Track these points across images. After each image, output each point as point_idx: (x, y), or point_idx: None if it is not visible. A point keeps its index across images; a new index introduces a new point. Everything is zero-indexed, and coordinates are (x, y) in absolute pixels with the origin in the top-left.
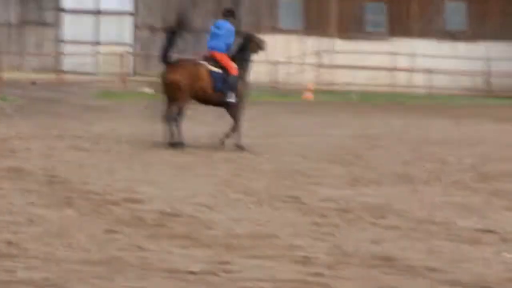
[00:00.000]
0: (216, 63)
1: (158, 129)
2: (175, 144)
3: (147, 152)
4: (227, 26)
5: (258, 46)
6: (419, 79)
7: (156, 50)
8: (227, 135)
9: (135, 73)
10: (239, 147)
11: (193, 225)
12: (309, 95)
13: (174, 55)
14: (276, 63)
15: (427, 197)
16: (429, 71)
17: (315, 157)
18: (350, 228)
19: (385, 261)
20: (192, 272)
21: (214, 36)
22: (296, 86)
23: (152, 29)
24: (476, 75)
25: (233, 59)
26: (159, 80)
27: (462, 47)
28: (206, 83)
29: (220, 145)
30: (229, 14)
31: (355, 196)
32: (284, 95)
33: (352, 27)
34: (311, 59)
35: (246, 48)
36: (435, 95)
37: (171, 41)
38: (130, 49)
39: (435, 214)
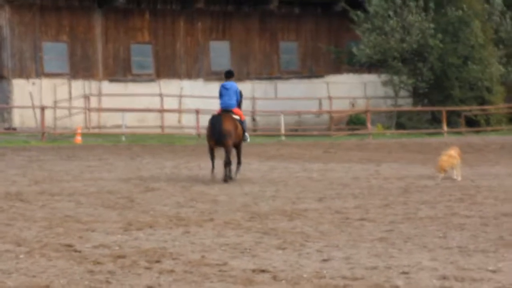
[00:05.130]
0: (234, 114)
1: None
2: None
3: None
4: (233, 86)
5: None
6: (188, 120)
7: None
8: (237, 171)
9: None
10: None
11: None
12: (78, 139)
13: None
14: (43, 108)
15: (200, 238)
16: (197, 111)
17: (88, 202)
18: (126, 274)
19: None
20: None
21: (226, 94)
22: (65, 130)
23: None
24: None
25: None
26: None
27: None
28: (240, 130)
29: (228, 180)
30: (230, 75)
31: (129, 241)
32: (52, 140)
33: (119, 69)
34: (79, 103)
35: (240, 99)
36: (203, 135)
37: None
38: None
39: (208, 255)
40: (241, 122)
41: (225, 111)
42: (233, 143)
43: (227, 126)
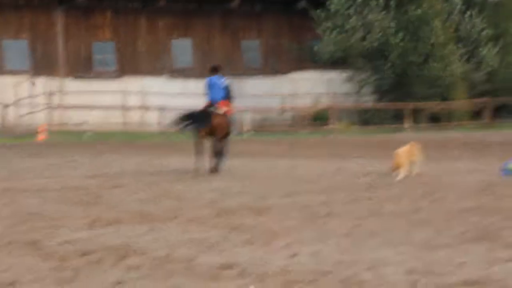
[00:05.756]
0: (219, 108)
1: None
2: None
3: None
4: (219, 80)
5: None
6: (151, 117)
7: None
8: (217, 165)
9: None
10: (217, 170)
11: None
12: (42, 137)
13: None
14: (5, 105)
15: (165, 235)
16: (160, 108)
17: (53, 199)
18: (92, 271)
19: None
20: None
21: (212, 89)
22: (28, 127)
23: None
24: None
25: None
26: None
27: (192, 84)
28: (227, 124)
29: (213, 172)
30: (216, 70)
31: (95, 237)
32: (16, 138)
33: (81, 66)
34: (42, 100)
35: (229, 93)
36: (167, 132)
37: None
38: None
39: (174, 251)
40: (228, 116)
41: (212, 104)
42: (220, 136)
43: (216, 118)
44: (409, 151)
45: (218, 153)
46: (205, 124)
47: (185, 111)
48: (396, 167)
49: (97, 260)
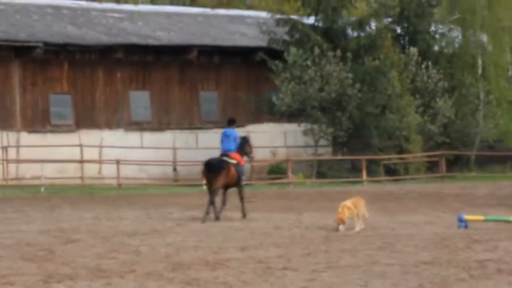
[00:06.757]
0: (231, 158)
1: None
2: (218, 217)
3: None
4: (233, 132)
5: (250, 145)
6: (108, 170)
7: None
8: (244, 211)
9: None
10: (245, 215)
11: None
12: None
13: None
14: None
15: None
16: (117, 161)
17: (6, 255)
18: None
19: None
20: None
21: (226, 140)
22: None
23: None
24: (163, 164)
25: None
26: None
27: (149, 137)
28: (234, 173)
29: (243, 219)
30: (232, 122)
31: None
32: None
33: (38, 119)
34: None
35: (243, 146)
36: (124, 185)
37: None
38: None
39: None
40: (237, 166)
41: (224, 155)
42: (224, 184)
43: (219, 165)
44: (354, 204)
45: (241, 199)
46: (218, 173)
47: (206, 159)
48: (340, 220)
49: None
